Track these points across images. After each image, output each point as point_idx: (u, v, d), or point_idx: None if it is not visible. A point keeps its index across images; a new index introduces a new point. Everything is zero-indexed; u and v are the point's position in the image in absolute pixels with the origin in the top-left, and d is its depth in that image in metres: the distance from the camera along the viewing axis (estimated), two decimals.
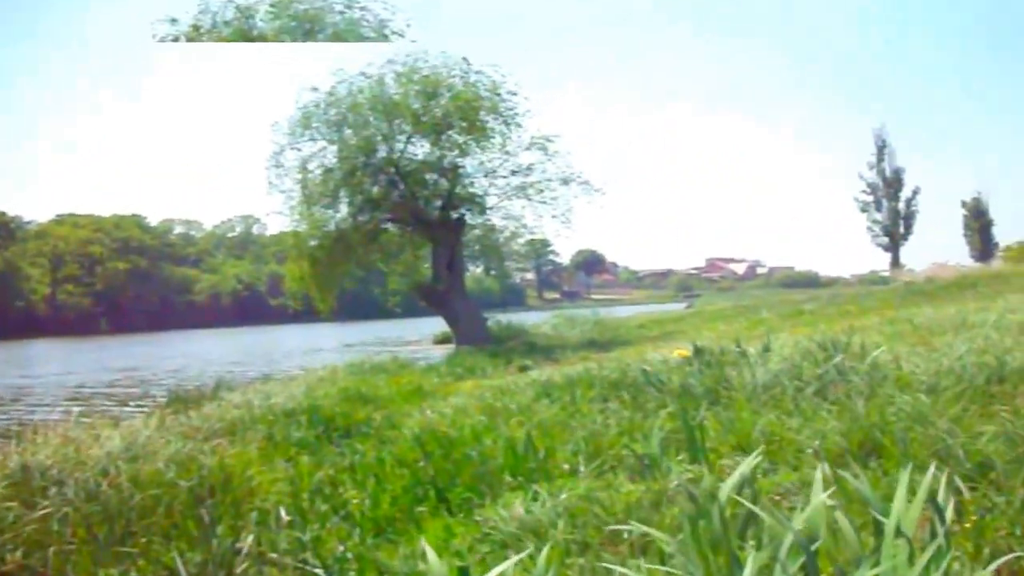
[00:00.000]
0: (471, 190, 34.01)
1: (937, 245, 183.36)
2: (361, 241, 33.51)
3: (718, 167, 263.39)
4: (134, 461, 8.41)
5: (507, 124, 32.35)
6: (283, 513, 7.37)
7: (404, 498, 7.59)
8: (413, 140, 32.69)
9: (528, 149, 32.92)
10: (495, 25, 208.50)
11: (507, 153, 33.01)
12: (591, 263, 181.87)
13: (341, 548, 6.46)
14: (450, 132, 32.23)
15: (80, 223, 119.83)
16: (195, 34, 30.50)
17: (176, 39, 30.94)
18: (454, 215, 33.43)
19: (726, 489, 4.54)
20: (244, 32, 30.01)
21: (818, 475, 4.34)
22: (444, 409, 12.43)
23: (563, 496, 6.16)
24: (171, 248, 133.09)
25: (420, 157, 33.28)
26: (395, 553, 6.17)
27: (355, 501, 7.70)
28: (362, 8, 30.30)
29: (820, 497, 4.10)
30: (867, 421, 7.17)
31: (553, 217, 33.35)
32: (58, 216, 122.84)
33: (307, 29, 29.77)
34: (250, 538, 6.61)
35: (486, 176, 33.69)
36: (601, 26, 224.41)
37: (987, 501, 5.29)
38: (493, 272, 53.11)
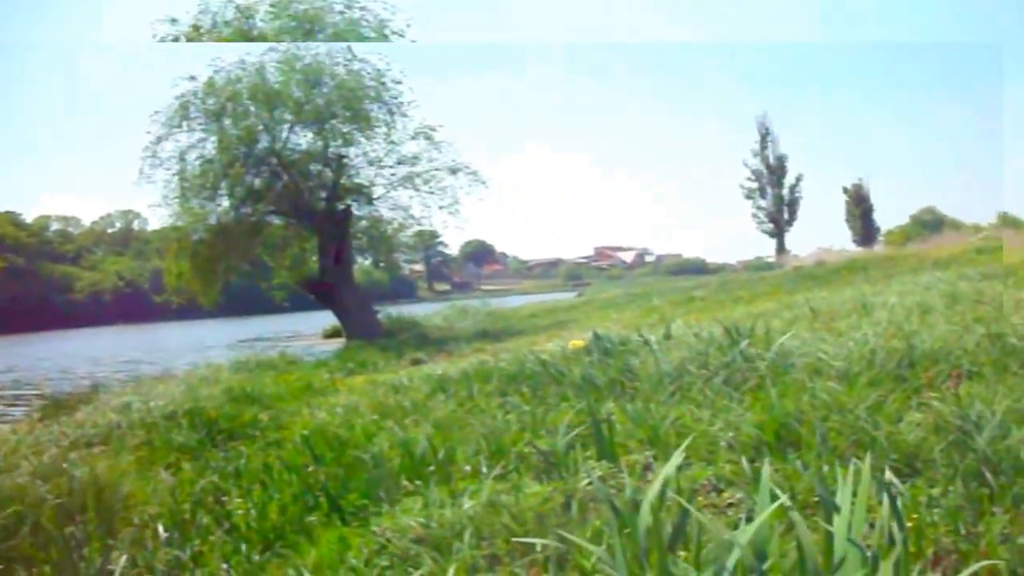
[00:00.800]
0: (357, 180, 33.47)
1: (820, 231, 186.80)
2: (244, 234, 32.51)
3: (604, 155, 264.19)
4: None
5: (392, 113, 32.05)
6: (160, 528, 6.78)
7: (293, 507, 7.04)
8: (296, 130, 32.12)
9: (414, 138, 32.59)
10: (495, 25, 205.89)
11: (392, 143, 32.64)
12: (480, 254, 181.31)
13: (225, 566, 5.91)
14: (334, 121, 31.71)
15: None
16: (195, 34, 30.63)
17: (176, 39, 30.85)
18: (340, 206, 32.84)
19: (651, 495, 4.11)
20: (244, 32, 30.40)
21: (764, 474, 3.93)
22: (335, 408, 11.90)
23: (467, 504, 5.65)
24: (49, 245, 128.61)
25: (303, 147, 32.71)
26: (284, 570, 5.65)
27: (240, 512, 7.13)
28: (362, 8, 30.89)
29: (771, 505, 3.68)
30: (782, 411, 6.84)
31: (441, 208, 32.91)
32: None
33: (307, 29, 30.20)
34: (123, 559, 6.00)
35: (372, 166, 33.19)
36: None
37: (921, 495, 4.97)
38: (382, 264, 52.26)
